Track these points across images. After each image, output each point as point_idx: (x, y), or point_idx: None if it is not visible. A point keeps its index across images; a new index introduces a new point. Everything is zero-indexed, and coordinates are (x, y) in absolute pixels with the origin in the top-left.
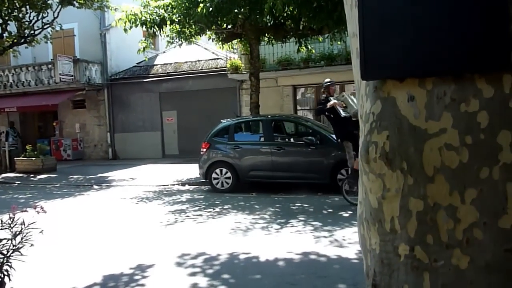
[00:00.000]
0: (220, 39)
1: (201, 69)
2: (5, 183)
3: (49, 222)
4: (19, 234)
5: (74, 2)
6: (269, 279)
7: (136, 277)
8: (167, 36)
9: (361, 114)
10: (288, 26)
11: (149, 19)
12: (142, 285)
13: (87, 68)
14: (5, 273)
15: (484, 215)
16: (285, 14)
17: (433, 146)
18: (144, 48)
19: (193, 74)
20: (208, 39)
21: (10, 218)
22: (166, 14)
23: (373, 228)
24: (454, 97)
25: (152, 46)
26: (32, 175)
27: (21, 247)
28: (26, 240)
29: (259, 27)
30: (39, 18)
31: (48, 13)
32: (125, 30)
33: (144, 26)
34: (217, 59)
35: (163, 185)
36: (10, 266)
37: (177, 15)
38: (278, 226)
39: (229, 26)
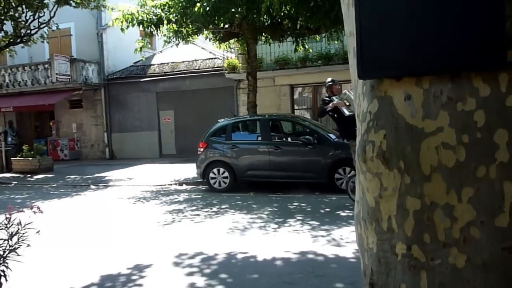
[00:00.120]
0: (217, 38)
1: (198, 69)
2: (1, 183)
3: (46, 223)
4: (15, 234)
5: (71, 2)
6: (267, 279)
7: (134, 277)
8: (164, 35)
9: (358, 113)
10: (285, 25)
11: (146, 19)
12: (140, 285)
13: (83, 68)
14: (2, 273)
15: (481, 214)
16: (282, 14)
17: (430, 145)
18: (141, 48)
19: (190, 73)
20: (205, 39)
21: (6, 218)
22: (163, 14)
23: (370, 227)
24: (451, 96)
25: (149, 46)
26: (29, 175)
27: (18, 247)
28: (22, 240)
29: (256, 27)
30: (36, 17)
31: (44, 12)
32: (122, 29)
33: (141, 26)
34: (214, 58)
35: (161, 185)
36: (7, 267)
37: (174, 14)
38: (276, 226)
39: (226, 26)
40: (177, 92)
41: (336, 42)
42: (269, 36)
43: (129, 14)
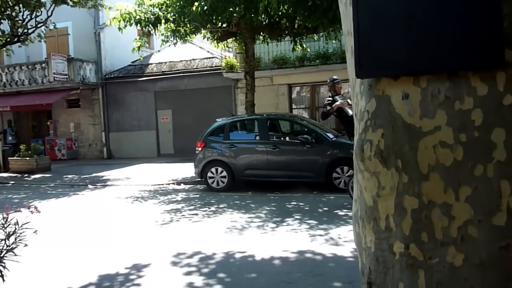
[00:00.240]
0: (215, 37)
1: (196, 68)
2: None
3: (43, 222)
4: (13, 234)
5: (68, 1)
6: (265, 278)
7: (132, 277)
8: (162, 35)
9: (355, 112)
10: (283, 25)
11: (143, 18)
12: (138, 284)
13: (81, 67)
14: None
15: (479, 213)
16: (280, 13)
17: (428, 144)
18: (138, 47)
19: (188, 73)
20: (203, 38)
21: (3, 218)
22: (160, 13)
23: (368, 226)
24: (449, 95)
25: (147, 45)
26: (26, 175)
27: (15, 247)
28: (20, 240)
29: (254, 26)
30: (33, 16)
31: (41, 11)
32: (120, 29)
33: (138, 25)
34: (212, 58)
35: (159, 185)
36: (4, 267)
37: (171, 13)
38: (274, 225)
39: (224, 25)
40: (175, 92)
41: (334, 41)
42: (267, 36)
43: (126, 13)
